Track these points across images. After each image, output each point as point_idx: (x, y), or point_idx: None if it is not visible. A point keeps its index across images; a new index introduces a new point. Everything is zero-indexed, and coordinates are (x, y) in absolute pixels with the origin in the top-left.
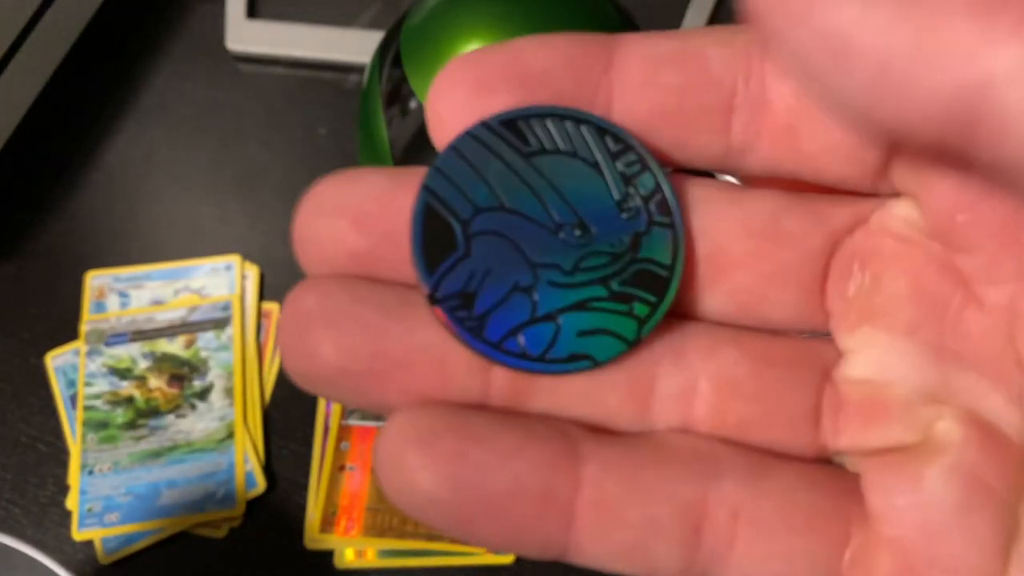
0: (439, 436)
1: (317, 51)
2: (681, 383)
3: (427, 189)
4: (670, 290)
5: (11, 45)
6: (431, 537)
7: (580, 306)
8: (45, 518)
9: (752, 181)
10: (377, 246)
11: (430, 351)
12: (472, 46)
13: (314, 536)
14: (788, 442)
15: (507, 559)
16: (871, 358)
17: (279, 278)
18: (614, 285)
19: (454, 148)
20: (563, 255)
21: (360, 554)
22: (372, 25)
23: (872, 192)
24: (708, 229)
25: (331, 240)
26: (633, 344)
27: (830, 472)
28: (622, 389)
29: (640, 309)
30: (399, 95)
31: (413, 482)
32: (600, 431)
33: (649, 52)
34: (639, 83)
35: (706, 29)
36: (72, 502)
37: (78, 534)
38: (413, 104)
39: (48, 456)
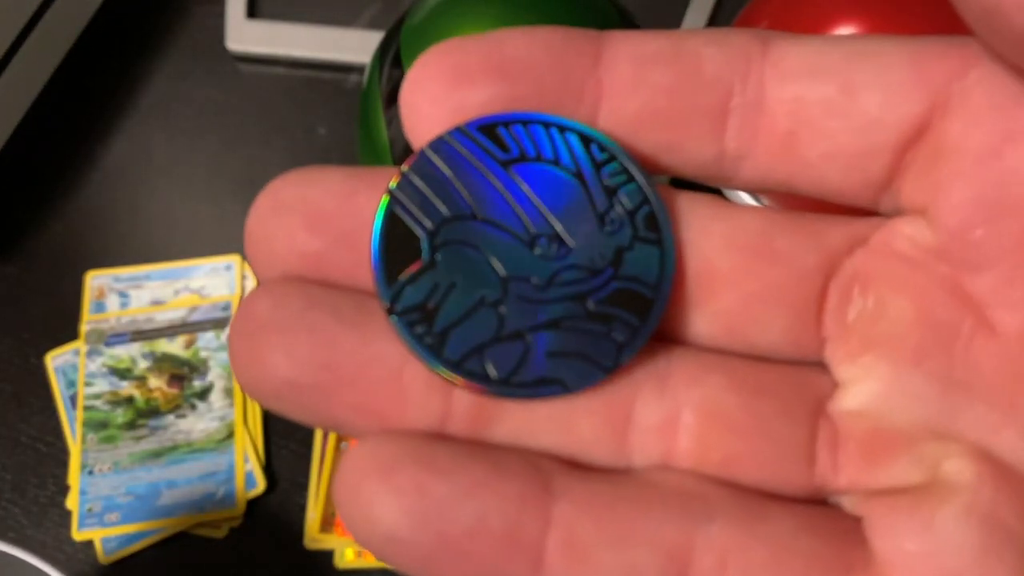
0: (399, 466)
1: (317, 51)
2: (663, 413)
3: (392, 195)
4: (654, 313)
5: (11, 45)
6: None
7: (553, 324)
8: (45, 518)
9: None
10: (331, 248)
11: (386, 366)
12: None
13: (314, 536)
14: (779, 480)
15: None
16: (872, 389)
17: None
18: (591, 304)
19: (426, 153)
20: (537, 269)
21: (360, 554)
22: (372, 25)
23: (872, 208)
24: (694, 245)
25: (282, 240)
26: (611, 372)
27: (828, 514)
28: (597, 417)
29: (620, 332)
30: (399, 95)
31: (370, 516)
32: (578, 466)
33: (640, 50)
34: (629, 81)
35: (702, 30)
36: (72, 502)
37: (78, 534)
38: None
39: (48, 456)
